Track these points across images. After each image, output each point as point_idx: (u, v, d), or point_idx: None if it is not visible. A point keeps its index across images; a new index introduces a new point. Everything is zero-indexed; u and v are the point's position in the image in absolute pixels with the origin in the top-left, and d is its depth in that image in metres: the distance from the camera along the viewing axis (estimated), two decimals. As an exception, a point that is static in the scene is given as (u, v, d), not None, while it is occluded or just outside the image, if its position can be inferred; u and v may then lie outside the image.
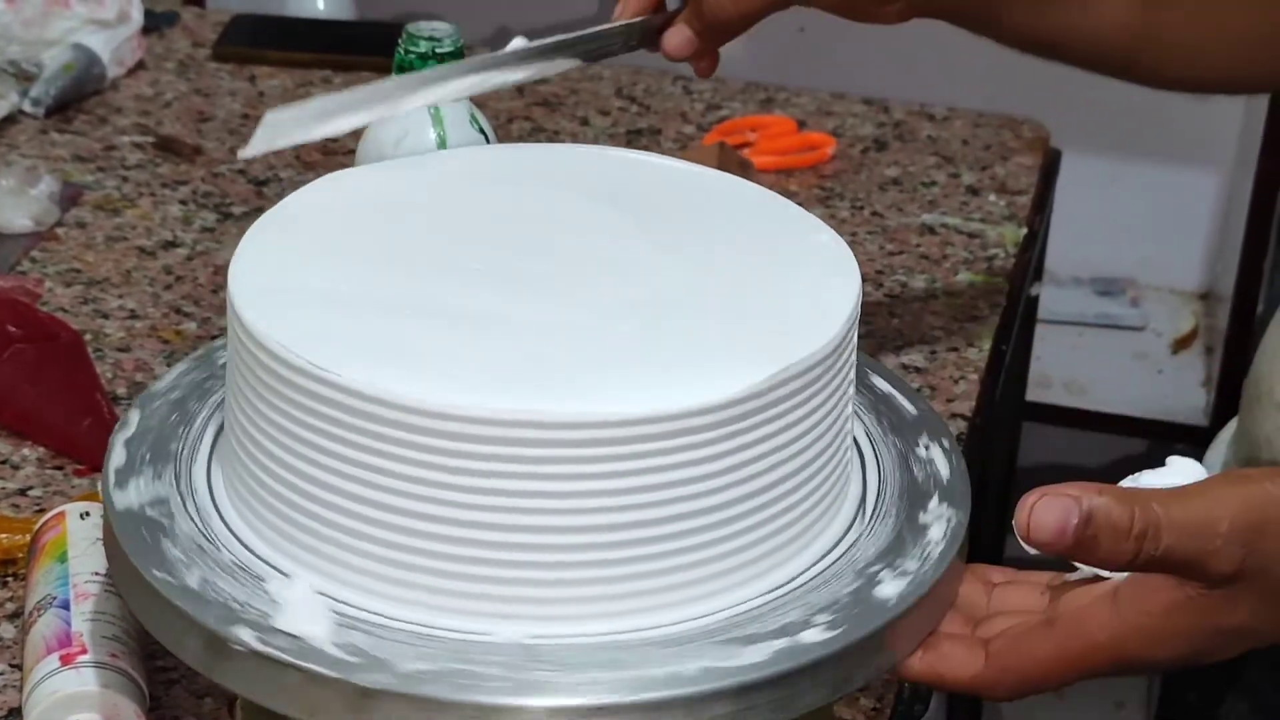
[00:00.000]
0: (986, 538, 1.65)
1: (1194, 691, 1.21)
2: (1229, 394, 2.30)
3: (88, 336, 1.24)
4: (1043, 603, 0.81)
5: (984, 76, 1.85)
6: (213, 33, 1.69)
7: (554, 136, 1.56)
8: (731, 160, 1.42)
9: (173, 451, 0.86)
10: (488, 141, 1.11)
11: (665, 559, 0.78)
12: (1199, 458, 0.98)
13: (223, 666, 0.77)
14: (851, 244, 0.90)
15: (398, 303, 0.82)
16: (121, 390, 1.19)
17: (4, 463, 1.12)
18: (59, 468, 1.12)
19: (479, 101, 1.08)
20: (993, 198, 1.50)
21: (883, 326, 1.31)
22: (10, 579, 1.02)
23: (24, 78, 1.54)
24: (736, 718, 0.75)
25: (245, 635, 0.76)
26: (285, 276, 0.84)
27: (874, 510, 0.86)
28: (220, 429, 0.88)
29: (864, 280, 0.87)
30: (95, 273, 1.32)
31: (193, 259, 1.35)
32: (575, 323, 0.82)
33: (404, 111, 0.97)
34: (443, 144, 1.09)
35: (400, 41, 1.08)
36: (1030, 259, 1.45)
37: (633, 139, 1.57)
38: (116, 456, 0.86)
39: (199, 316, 1.28)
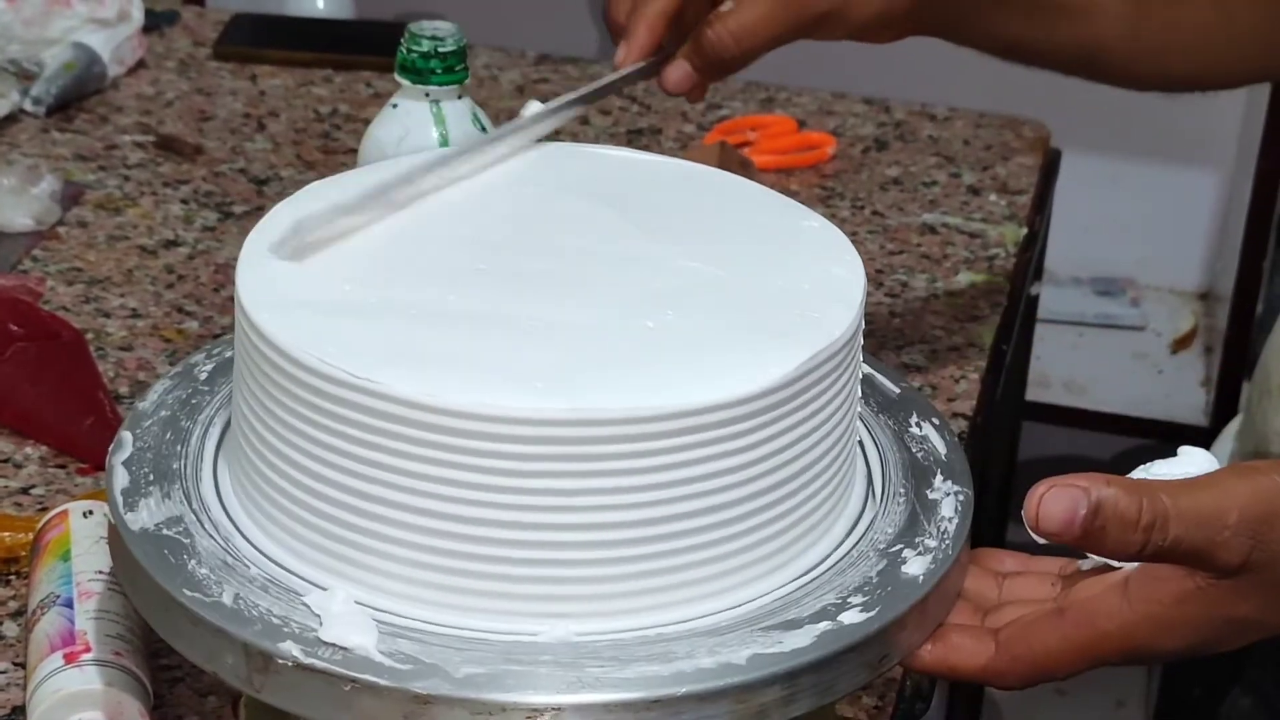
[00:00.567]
0: (987, 537, 1.64)
1: (1198, 687, 1.21)
2: (1228, 394, 2.30)
3: (89, 335, 1.24)
4: (1053, 593, 0.82)
5: (984, 77, 1.84)
6: (213, 32, 1.69)
7: (554, 136, 1.56)
8: (732, 160, 1.42)
9: (176, 470, 0.85)
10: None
11: (706, 549, 0.79)
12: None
13: (268, 682, 0.75)
14: (852, 243, 0.90)
15: (410, 306, 0.82)
16: (124, 389, 1.19)
17: (6, 461, 1.12)
18: (61, 466, 1.12)
19: (480, 100, 1.08)
20: (993, 197, 1.50)
21: (883, 326, 1.31)
22: (13, 577, 1.02)
23: (25, 77, 1.54)
24: (783, 703, 0.76)
25: (293, 650, 0.75)
26: (291, 281, 0.83)
27: (883, 490, 0.87)
28: (219, 444, 0.87)
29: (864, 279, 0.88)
30: (97, 272, 1.32)
31: (194, 258, 1.35)
32: (597, 321, 0.82)
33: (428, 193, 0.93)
34: (444, 143, 1.09)
35: (403, 41, 1.08)
36: (1030, 259, 1.45)
37: (633, 138, 1.57)
38: (119, 479, 0.84)
39: (200, 315, 1.28)
